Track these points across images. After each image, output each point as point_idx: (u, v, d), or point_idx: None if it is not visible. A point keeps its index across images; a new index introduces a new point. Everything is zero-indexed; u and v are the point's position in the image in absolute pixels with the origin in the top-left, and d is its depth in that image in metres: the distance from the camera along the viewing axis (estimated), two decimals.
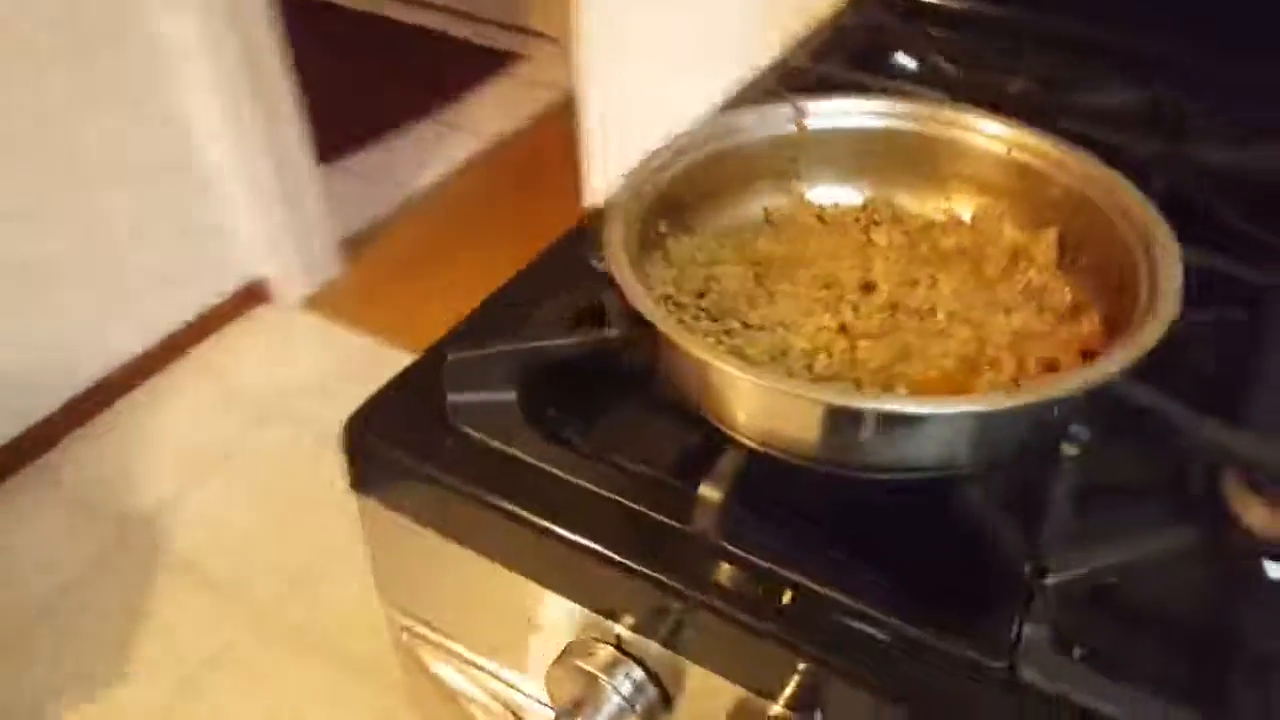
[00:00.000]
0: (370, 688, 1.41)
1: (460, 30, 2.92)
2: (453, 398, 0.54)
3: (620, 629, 0.49)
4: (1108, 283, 0.51)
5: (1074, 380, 0.42)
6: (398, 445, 0.53)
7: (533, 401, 0.54)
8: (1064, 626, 0.41)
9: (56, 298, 1.71)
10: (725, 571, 0.45)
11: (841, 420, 0.42)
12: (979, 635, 0.41)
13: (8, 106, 1.54)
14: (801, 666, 0.43)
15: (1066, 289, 0.53)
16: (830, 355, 0.49)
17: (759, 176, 0.59)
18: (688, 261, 0.55)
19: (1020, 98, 0.74)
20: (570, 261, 0.64)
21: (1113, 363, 0.42)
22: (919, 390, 0.48)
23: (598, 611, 0.50)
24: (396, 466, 0.53)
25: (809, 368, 0.49)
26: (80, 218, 1.70)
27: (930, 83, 0.75)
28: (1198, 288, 0.57)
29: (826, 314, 0.52)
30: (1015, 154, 0.56)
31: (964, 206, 0.59)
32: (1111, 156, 0.66)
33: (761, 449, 0.45)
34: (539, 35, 2.85)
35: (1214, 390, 0.55)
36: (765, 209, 0.60)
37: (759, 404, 0.43)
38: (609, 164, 1.41)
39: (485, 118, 2.54)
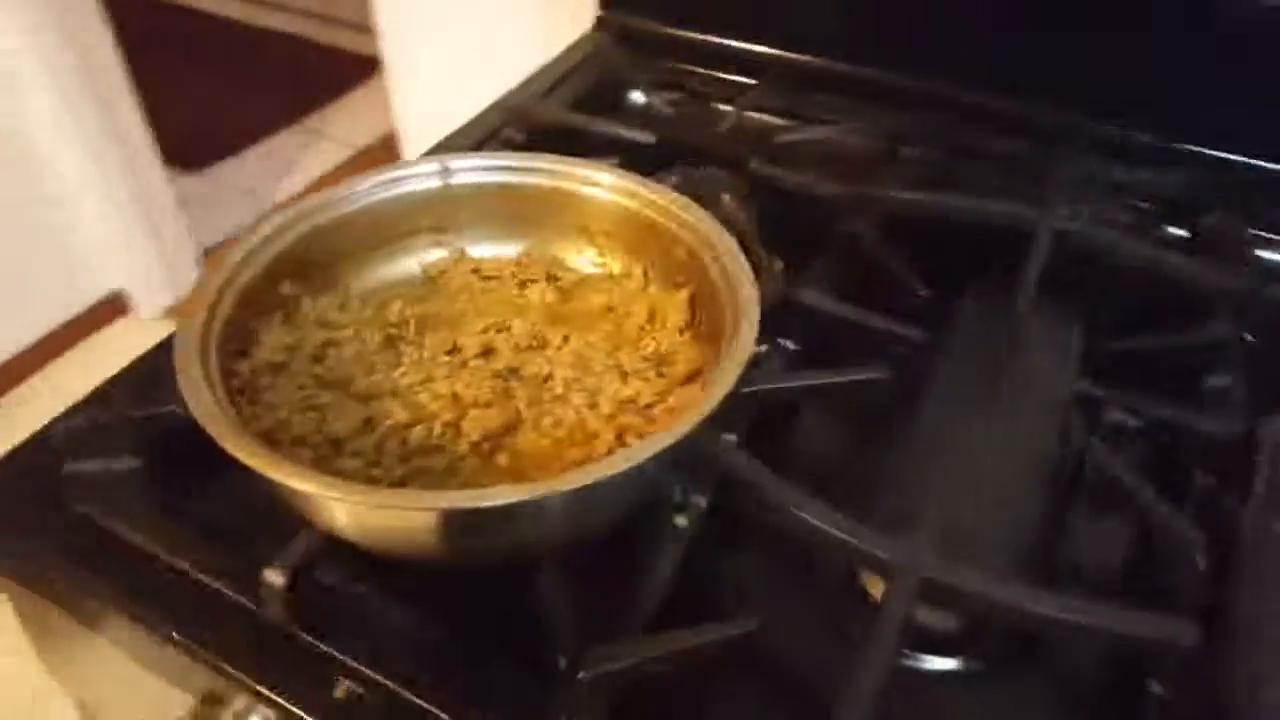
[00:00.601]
0: None
1: (324, 35, 2.86)
2: (70, 468, 0.52)
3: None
4: (718, 347, 0.50)
5: (615, 463, 0.41)
6: (9, 528, 0.51)
7: (163, 469, 0.52)
8: None
9: None
10: (288, 658, 0.44)
11: (372, 517, 0.41)
12: None
13: None
14: None
15: (687, 355, 0.52)
16: (430, 428, 0.48)
17: (412, 233, 0.58)
18: (314, 324, 0.54)
19: (726, 137, 0.74)
20: None
21: (672, 434, 0.41)
22: (521, 465, 0.47)
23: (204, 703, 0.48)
24: (13, 547, 0.51)
25: (403, 441, 0.48)
26: None
27: (643, 124, 0.75)
28: (848, 346, 0.58)
29: (443, 382, 0.51)
30: (644, 211, 0.55)
31: (614, 261, 0.58)
32: (794, 202, 0.67)
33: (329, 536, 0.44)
34: None
35: (843, 462, 0.56)
36: (422, 265, 0.59)
37: (296, 499, 0.42)
38: None
39: (350, 126, 2.50)
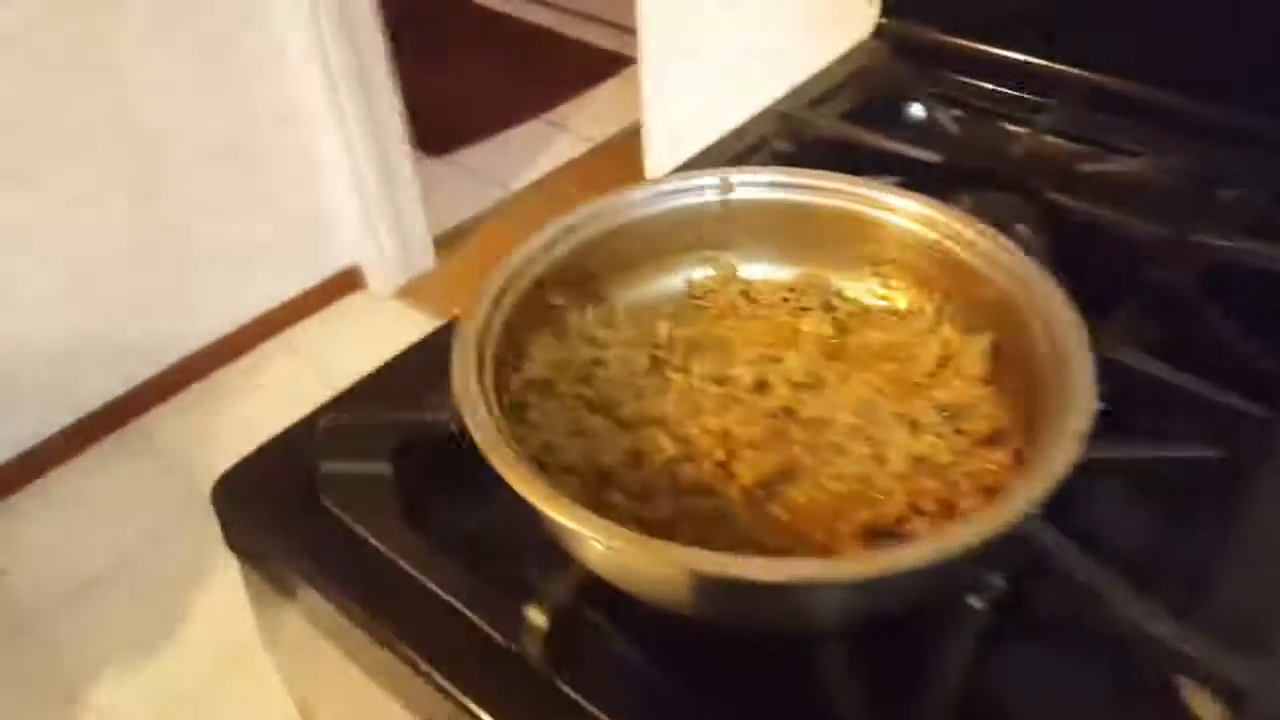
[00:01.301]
0: None
1: (574, 30, 2.91)
2: (326, 467, 0.52)
3: None
4: (1030, 408, 0.44)
5: (924, 551, 0.35)
6: (261, 514, 0.52)
7: (411, 476, 0.51)
8: None
9: (174, 264, 1.80)
10: (545, 705, 0.41)
11: (647, 569, 0.37)
12: None
13: (144, 93, 1.64)
14: None
15: (987, 411, 0.46)
16: (700, 466, 0.45)
17: (683, 248, 0.55)
18: (582, 340, 0.51)
19: (1021, 162, 0.66)
20: None
21: (995, 521, 0.35)
22: (799, 521, 0.43)
23: None
24: (260, 535, 0.52)
25: (672, 478, 0.44)
26: (194, 197, 1.78)
27: (925, 141, 0.68)
28: (1171, 416, 0.50)
29: (712, 415, 0.47)
30: (945, 243, 0.49)
31: (900, 296, 0.53)
32: (1095, 240, 0.59)
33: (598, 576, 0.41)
34: None
35: (1171, 554, 0.48)
36: (689, 281, 0.55)
37: (575, 540, 0.39)
38: None
39: (590, 120, 2.53)
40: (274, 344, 1.99)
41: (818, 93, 0.78)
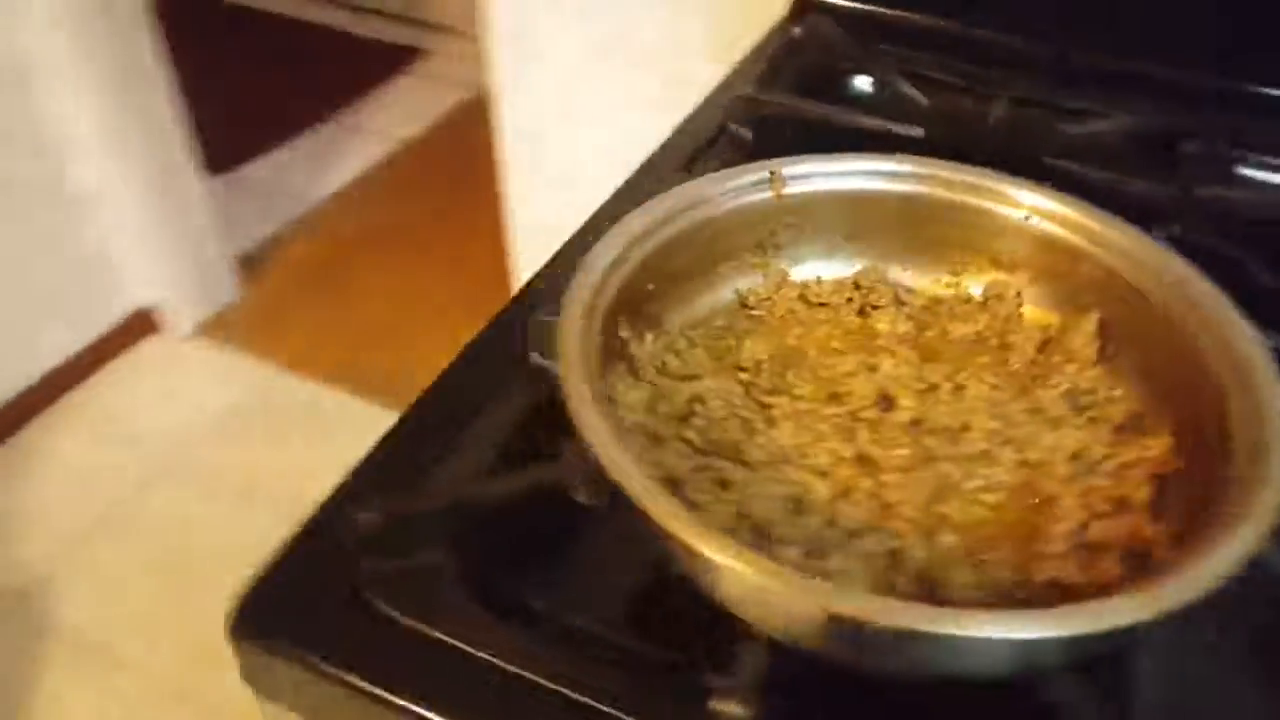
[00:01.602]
0: None
1: (356, 26, 2.73)
2: (369, 565, 0.43)
3: None
4: (1165, 387, 0.42)
5: (1189, 583, 0.31)
6: (297, 637, 0.42)
7: (469, 559, 0.43)
8: None
9: None
10: None
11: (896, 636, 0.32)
12: None
13: None
14: None
15: (1113, 394, 0.43)
16: (854, 502, 0.39)
17: (731, 254, 0.49)
18: (660, 372, 0.44)
19: (1001, 129, 0.65)
20: (498, 360, 0.53)
21: (1227, 547, 0.32)
22: (976, 545, 0.39)
23: None
24: (296, 663, 0.42)
25: (831, 523, 0.39)
26: None
27: (898, 114, 0.66)
28: None
29: (838, 439, 0.42)
30: (1037, 222, 0.46)
31: (973, 281, 0.49)
32: (1115, 201, 0.58)
33: (783, 642, 0.35)
34: (443, 29, 2.69)
35: None
36: (738, 291, 0.50)
37: (781, 609, 0.33)
38: (529, 179, 1.29)
39: (390, 120, 2.38)
40: (63, 407, 1.74)
41: (759, 72, 0.73)
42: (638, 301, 0.45)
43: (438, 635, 0.41)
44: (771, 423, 0.42)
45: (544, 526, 0.43)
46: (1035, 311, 0.47)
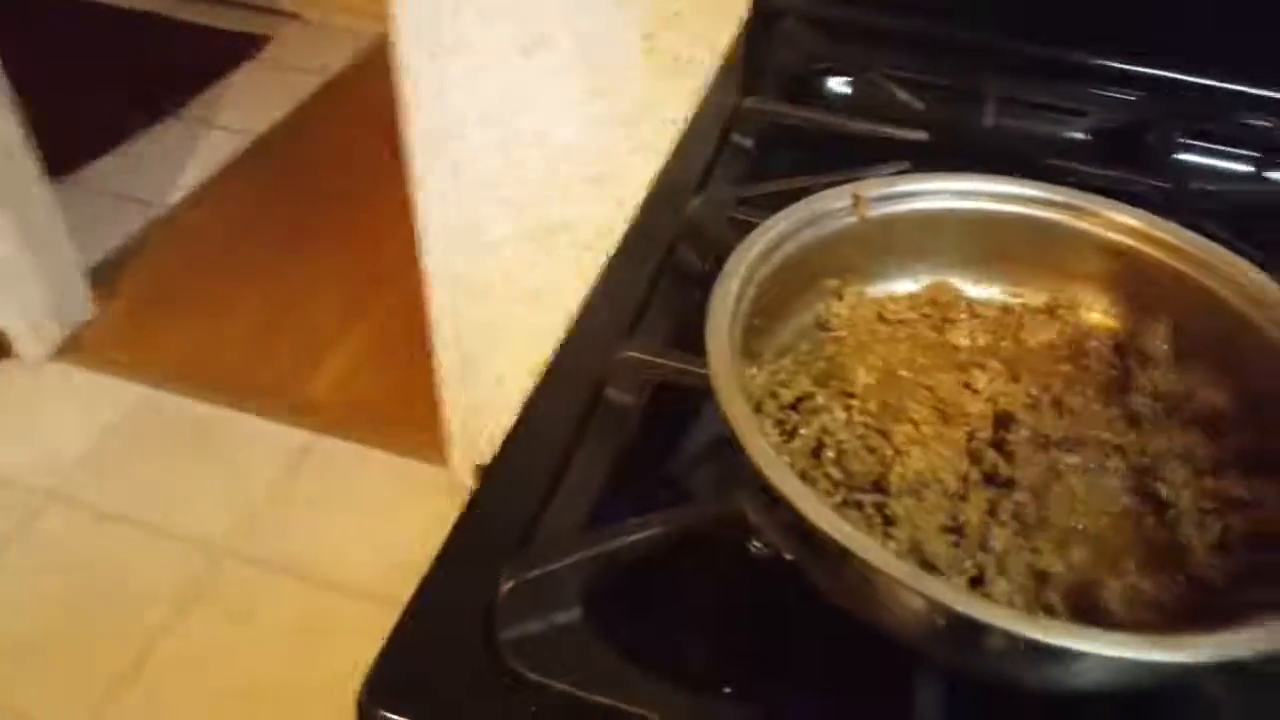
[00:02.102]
0: None
1: (191, 13, 2.54)
2: (506, 634, 0.41)
3: None
4: (1244, 384, 0.45)
5: None
6: (440, 713, 0.40)
7: (602, 616, 0.42)
8: None
9: None
10: None
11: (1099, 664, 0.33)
12: None
13: None
14: None
15: (1193, 391, 0.46)
16: (1001, 524, 0.41)
17: (816, 278, 0.49)
18: (776, 406, 0.44)
19: (997, 131, 0.68)
20: (568, 402, 0.51)
21: None
22: (1111, 554, 0.41)
23: None
24: None
25: (984, 547, 0.40)
26: None
27: (894, 119, 0.67)
28: None
29: (967, 461, 0.43)
30: (1103, 232, 0.49)
31: (1038, 292, 0.51)
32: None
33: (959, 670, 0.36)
34: (283, 14, 2.54)
35: None
36: (818, 316, 0.50)
37: (999, 647, 0.34)
38: (441, 177, 1.25)
39: (240, 113, 2.24)
40: None
41: (739, 79, 0.73)
42: (748, 339, 0.44)
43: (589, 697, 0.40)
44: (899, 451, 0.43)
45: (684, 573, 0.43)
46: (1103, 319, 0.50)
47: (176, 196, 2.03)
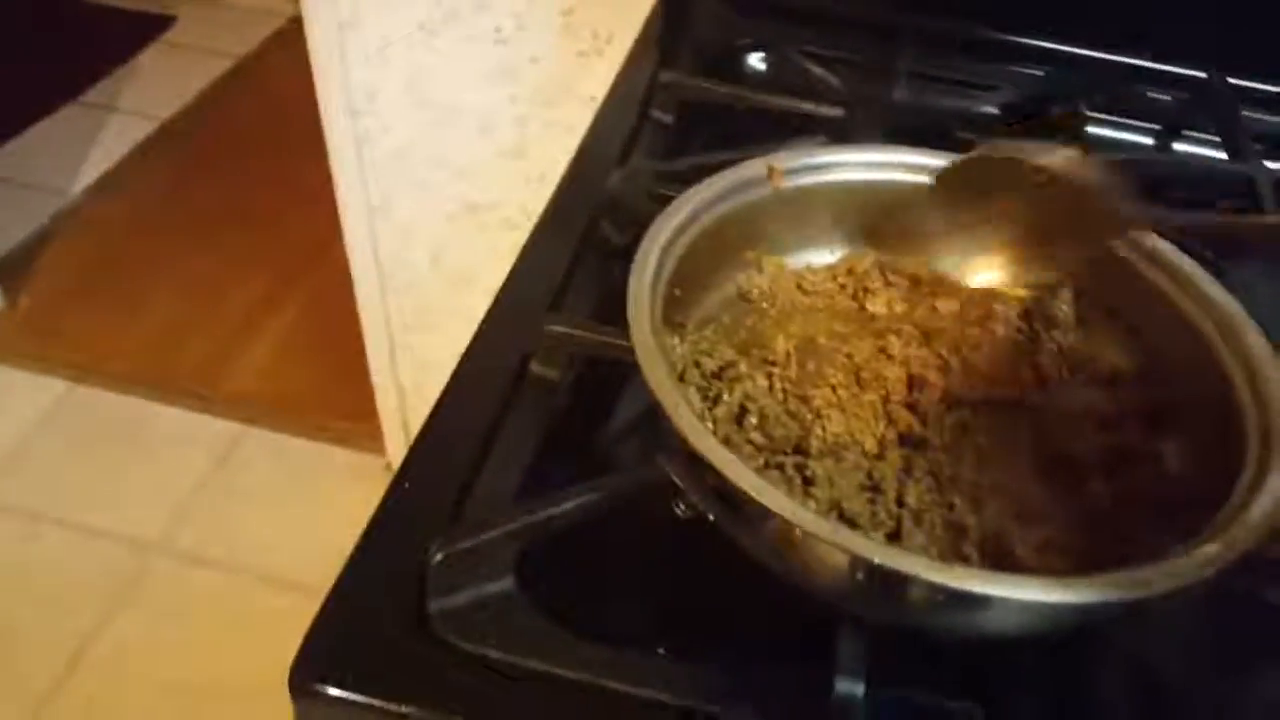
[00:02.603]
0: None
1: None
2: (436, 604, 0.41)
3: None
4: (1135, 342, 0.48)
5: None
6: (369, 684, 0.40)
7: (532, 585, 0.43)
8: None
9: None
10: None
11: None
12: None
13: None
14: None
15: (1106, 353, 0.49)
16: (916, 480, 0.42)
17: (734, 249, 0.50)
18: (700, 375, 0.45)
19: (914, 108, 0.69)
20: (492, 375, 0.51)
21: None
22: (1020, 507, 0.42)
23: None
24: (373, 713, 0.40)
25: (900, 503, 0.41)
26: None
27: (810, 94, 0.68)
28: None
29: (882, 423, 0.45)
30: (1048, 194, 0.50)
31: (949, 263, 0.53)
32: None
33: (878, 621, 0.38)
34: None
35: None
36: (739, 287, 0.51)
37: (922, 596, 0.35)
38: (360, 164, 1.23)
39: (141, 95, 2.17)
40: None
41: (656, 55, 0.74)
42: (670, 310, 0.45)
43: (523, 663, 0.40)
44: (819, 414, 0.44)
45: (611, 541, 0.44)
46: (1011, 286, 0.52)
47: (82, 185, 1.96)
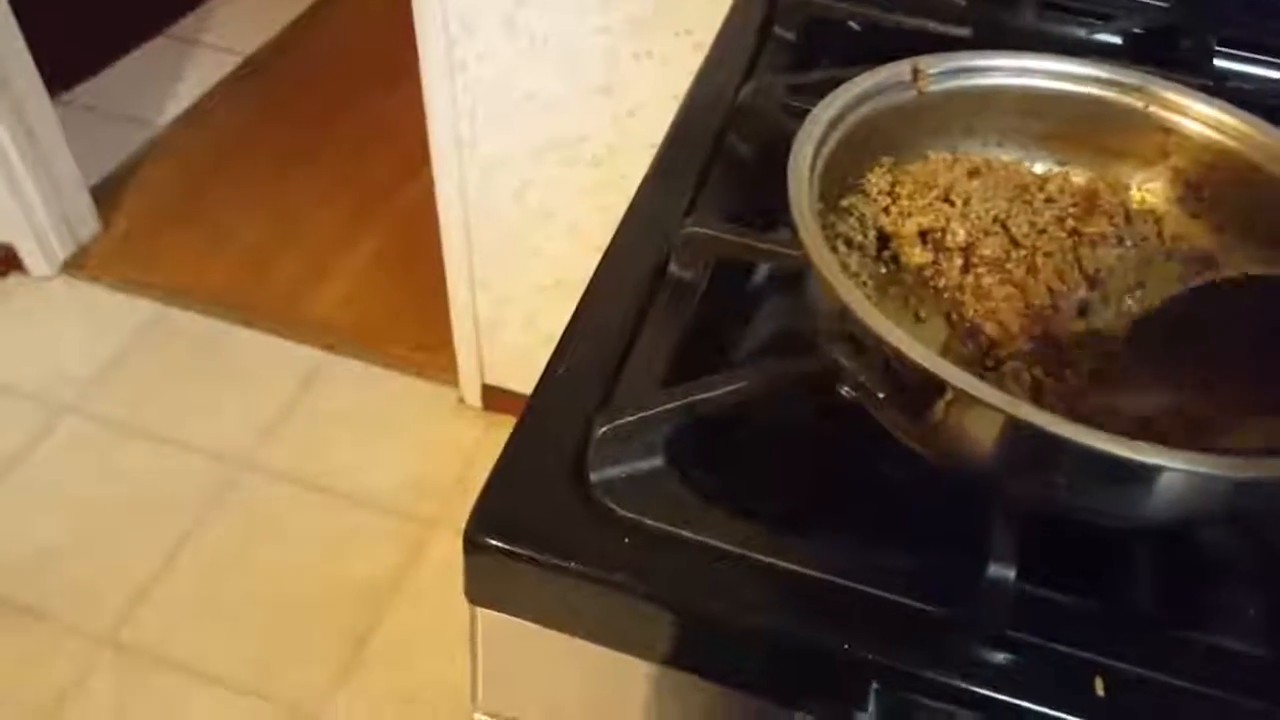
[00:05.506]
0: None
1: None
2: (597, 474, 0.43)
3: None
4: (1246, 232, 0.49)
5: None
6: (539, 542, 0.42)
7: (684, 465, 0.45)
8: None
9: None
10: (1017, 664, 0.39)
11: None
12: None
13: None
14: None
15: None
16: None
17: (873, 154, 0.52)
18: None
19: (1040, 34, 0.69)
20: (632, 275, 0.53)
21: None
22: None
23: None
24: (541, 572, 0.42)
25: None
26: None
27: (936, 14, 0.68)
28: None
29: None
30: (1164, 113, 0.51)
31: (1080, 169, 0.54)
32: None
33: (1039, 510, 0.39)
34: None
35: None
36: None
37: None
38: (451, 93, 1.24)
39: (225, 31, 2.20)
40: None
41: None
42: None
43: (676, 531, 0.43)
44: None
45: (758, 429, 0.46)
46: (1144, 194, 0.52)
47: (169, 116, 2.00)
